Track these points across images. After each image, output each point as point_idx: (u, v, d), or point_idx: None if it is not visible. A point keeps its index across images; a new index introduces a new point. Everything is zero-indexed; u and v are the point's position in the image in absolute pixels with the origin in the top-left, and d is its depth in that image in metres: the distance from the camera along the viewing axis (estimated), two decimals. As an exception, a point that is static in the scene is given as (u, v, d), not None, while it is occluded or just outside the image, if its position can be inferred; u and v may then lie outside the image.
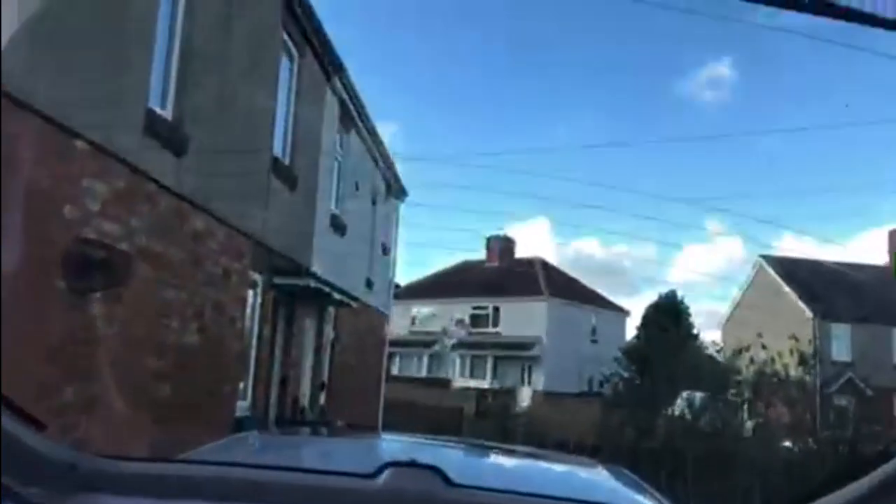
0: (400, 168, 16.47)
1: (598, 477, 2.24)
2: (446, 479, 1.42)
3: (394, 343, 43.09)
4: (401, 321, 43.88)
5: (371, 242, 15.11)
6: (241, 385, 8.16)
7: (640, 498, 1.99)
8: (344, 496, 1.43)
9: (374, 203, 15.11)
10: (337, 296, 10.47)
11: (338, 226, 12.02)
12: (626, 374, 19.66)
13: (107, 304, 5.13)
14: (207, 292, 6.90)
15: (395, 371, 43.16)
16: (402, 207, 17.83)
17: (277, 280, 8.83)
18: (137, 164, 5.47)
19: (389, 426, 15.44)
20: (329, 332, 11.90)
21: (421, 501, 1.40)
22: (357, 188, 13.03)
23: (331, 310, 11.92)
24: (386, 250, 16.72)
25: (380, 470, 1.42)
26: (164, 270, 5.99)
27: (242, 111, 7.75)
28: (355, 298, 11.77)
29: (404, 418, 15.92)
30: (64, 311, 4.66)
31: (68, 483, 1.38)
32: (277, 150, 9.03)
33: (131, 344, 5.47)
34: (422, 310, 43.91)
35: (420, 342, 42.96)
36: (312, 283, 9.15)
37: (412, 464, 1.46)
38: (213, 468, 1.52)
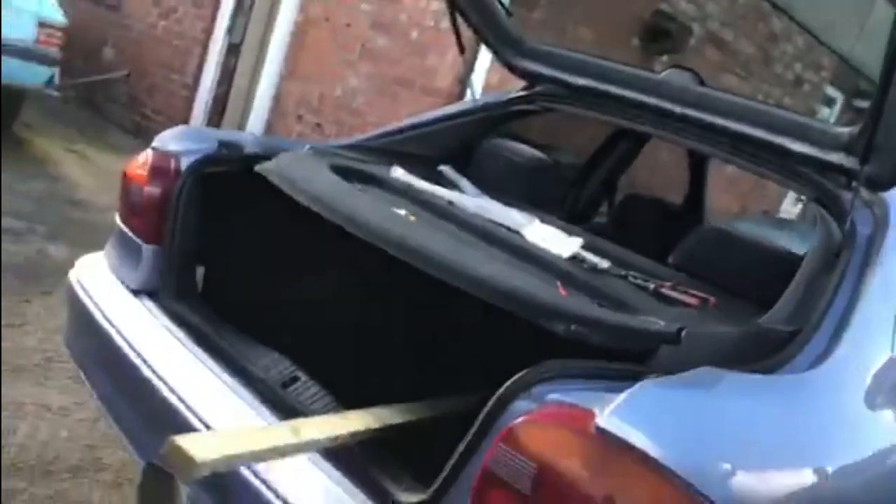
0: None
1: None
2: (701, 81, 2.34)
3: None
4: None
5: None
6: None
7: None
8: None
9: None
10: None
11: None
12: None
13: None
14: (773, 91, 7.60)
15: None
16: None
17: (858, 103, 8.85)
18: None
19: None
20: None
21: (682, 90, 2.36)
22: None
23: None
24: None
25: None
26: (730, 58, 6.93)
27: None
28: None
29: None
30: (634, 60, 6.09)
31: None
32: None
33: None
34: None
35: None
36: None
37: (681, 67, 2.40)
38: None
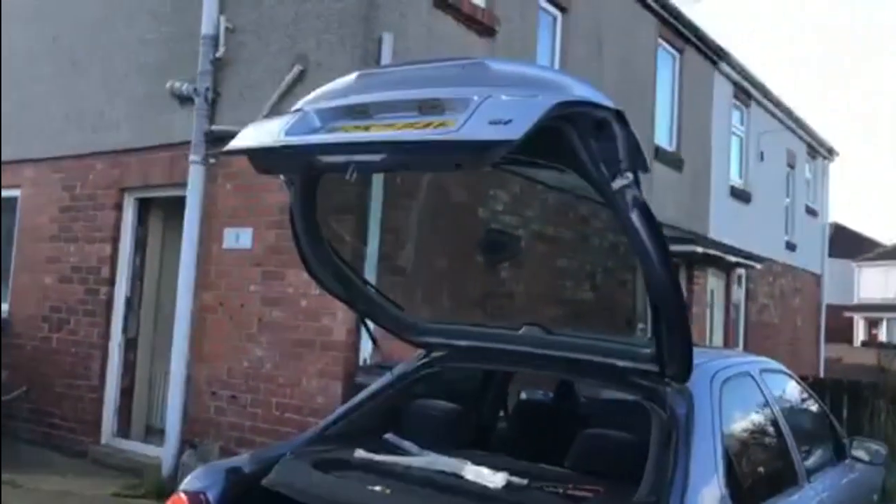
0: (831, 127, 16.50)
1: None
2: (548, 331, 3.37)
3: (875, 308, 39.79)
4: (889, 283, 40.53)
5: (790, 207, 15.65)
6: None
7: None
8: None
9: (791, 167, 15.57)
10: (733, 259, 11.73)
11: (740, 195, 13.12)
12: None
13: (513, 270, 7.67)
14: (596, 260, 9.07)
15: (882, 338, 39.95)
16: (834, 167, 17.73)
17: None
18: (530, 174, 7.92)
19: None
20: (738, 292, 13.10)
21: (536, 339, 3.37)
22: (762, 158, 13.85)
23: (740, 271, 13.10)
24: (813, 213, 16.89)
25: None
26: (556, 246, 8.34)
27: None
28: (761, 260, 12.77)
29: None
30: (483, 274, 7.30)
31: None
32: (661, 139, 10.77)
33: (534, 297, 7.95)
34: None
35: (914, 305, 39.09)
36: (699, 250, 10.66)
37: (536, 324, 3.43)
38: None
